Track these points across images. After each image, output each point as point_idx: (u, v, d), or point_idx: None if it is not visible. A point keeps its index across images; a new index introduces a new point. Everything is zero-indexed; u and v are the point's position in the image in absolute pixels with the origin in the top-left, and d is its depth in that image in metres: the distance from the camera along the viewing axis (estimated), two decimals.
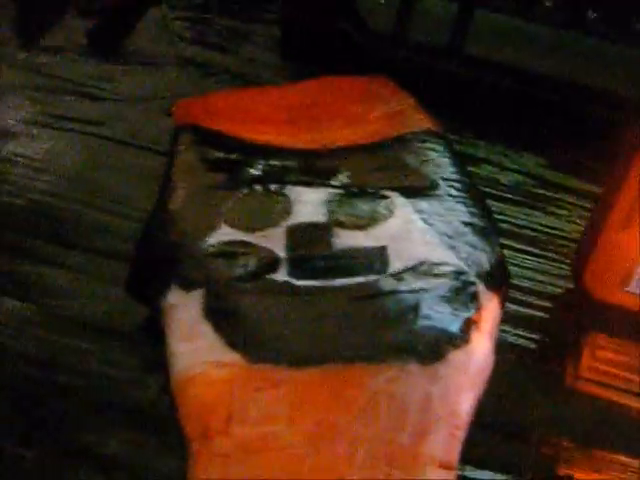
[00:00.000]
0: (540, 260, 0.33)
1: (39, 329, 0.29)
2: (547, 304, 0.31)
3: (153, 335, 0.28)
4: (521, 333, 0.30)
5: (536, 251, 0.34)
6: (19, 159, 0.34)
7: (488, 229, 0.28)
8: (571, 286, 0.32)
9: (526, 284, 0.32)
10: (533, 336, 0.30)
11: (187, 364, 0.24)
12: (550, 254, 0.33)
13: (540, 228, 0.35)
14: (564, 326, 0.31)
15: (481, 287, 0.26)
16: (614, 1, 0.39)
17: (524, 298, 0.31)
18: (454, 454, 0.22)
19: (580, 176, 0.37)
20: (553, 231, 0.34)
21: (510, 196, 0.36)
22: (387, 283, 0.25)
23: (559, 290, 0.32)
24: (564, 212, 0.35)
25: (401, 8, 0.39)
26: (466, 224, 0.28)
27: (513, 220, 0.35)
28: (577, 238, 0.34)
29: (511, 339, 0.30)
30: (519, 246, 0.34)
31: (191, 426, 0.23)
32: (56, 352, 0.28)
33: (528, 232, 0.34)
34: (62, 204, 0.33)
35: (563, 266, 0.33)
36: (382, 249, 0.27)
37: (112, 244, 0.31)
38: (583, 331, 0.31)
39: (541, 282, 0.32)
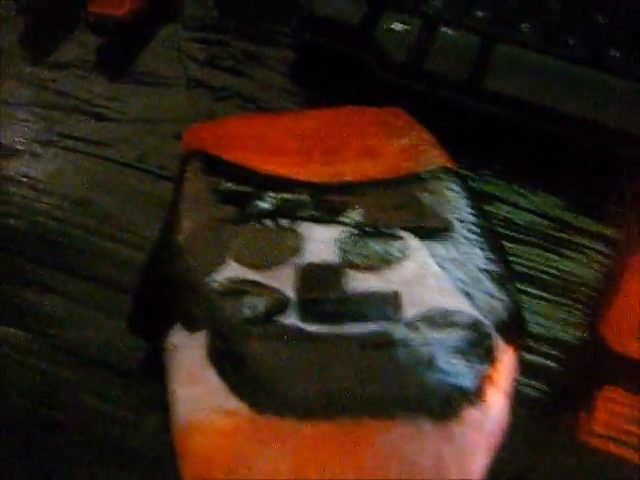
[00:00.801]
0: (553, 306, 0.32)
1: (35, 359, 0.28)
2: (559, 353, 0.30)
3: (152, 372, 0.27)
4: (532, 383, 0.29)
5: (549, 296, 0.33)
6: (22, 179, 0.33)
7: (505, 276, 0.27)
8: (585, 335, 0.31)
9: (537, 330, 0.31)
10: (544, 387, 0.29)
11: (189, 410, 0.23)
12: (564, 300, 0.32)
13: (554, 272, 0.34)
14: (577, 377, 0.30)
15: (497, 339, 0.25)
16: (637, 40, 0.38)
17: (535, 345, 0.30)
18: None
19: (597, 218, 0.36)
20: (567, 276, 0.33)
21: (524, 237, 0.35)
22: (400, 332, 0.24)
23: (572, 339, 0.31)
24: (579, 256, 0.34)
25: (420, 38, 0.39)
26: (482, 270, 0.27)
27: (526, 263, 0.34)
28: (592, 284, 0.33)
29: (521, 389, 0.29)
30: (532, 290, 0.33)
31: (190, 476, 0.22)
32: (51, 385, 0.27)
33: (542, 276, 0.33)
34: (64, 228, 0.32)
35: (576, 312, 0.32)
36: (395, 294, 0.26)
37: (114, 273, 0.30)
38: (597, 384, 0.30)
39: (553, 329, 0.31)
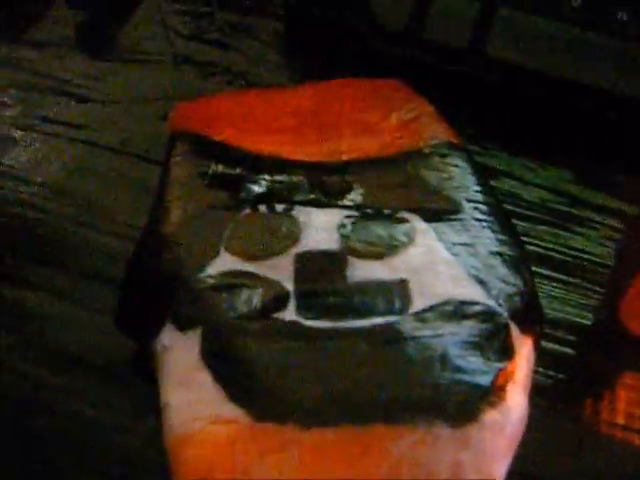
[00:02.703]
0: (566, 287, 0.30)
1: (16, 360, 0.26)
2: (575, 339, 0.29)
3: (144, 373, 0.25)
4: (548, 372, 0.28)
5: (562, 277, 0.31)
6: None
7: (519, 259, 0.26)
8: (602, 318, 0.29)
9: (552, 315, 0.29)
10: (561, 376, 0.28)
11: (183, 419, 0.21)
12: (577, 280, 0.31)
13: (566, 251, 0.32)
14: (595, 364, 0.28)
15: (514, 330, 0.23)
16: None
17: (550, 331, 0.29)
18: None
19: (610, 193, 0.34)
20: (580, 254, 0.32)
21: (533, 214, 0.33)
22: (409, 326, 0.22)
23: (588, 322, 0.29)
24: (593, 233, 0.32)
25: (417, 4, 0.36)
26: (495, 254, 0.25)
27: (537, 242, 0.32)
28: (607, 263, 0.31)
29: (537, 379, 0.27)
30: (542, 271, 0.31)
31: None
32: (34, 389, 0.25)
33: (553, 255, 0.31)
34: (45, 219, 0.30)
35: (592, 294, 0.30)
36: (403, 283, 0.24)
37: (100, 265, 0.28)
38: (617, 371, 0.28)
39: (568, 313, 0.29)
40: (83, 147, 0.32)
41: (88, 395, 0.25)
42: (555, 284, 0.30)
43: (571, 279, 0.31)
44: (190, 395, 0.21)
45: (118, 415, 0.25)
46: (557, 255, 0.31)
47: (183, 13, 0.38)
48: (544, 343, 0.28)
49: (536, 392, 0.26)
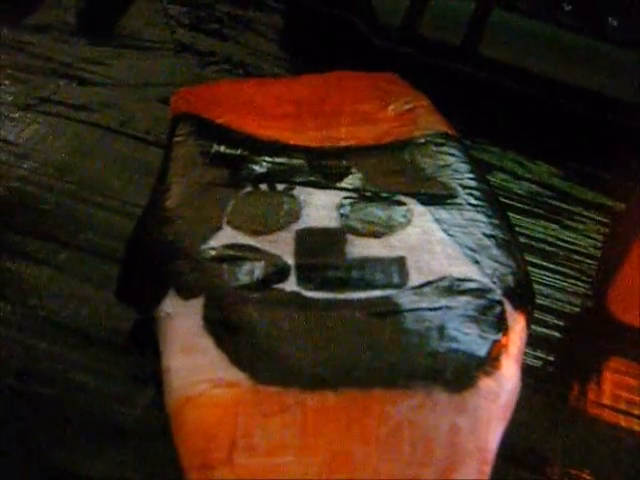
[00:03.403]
0: (556, 276, 0.31)
1: (15, 332, 0.26)
2: (564, 324, 0.29)
3: (143, 344, 0.25)
4: (537, 354, 0.28)
5: (552, 266, 0.32)
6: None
7: (511, 242, 0.26)
8: (589, 305, 0.30)
9: (541, 301, 0.30)
10: (549, 358, 0.28)
11: (185, 382, 0.21)
12: (566, 270, 0.31)
13: (555, 242, 0.33)
14: (582, 348, 0.29)
15: (508, 306, 0.24)
16: (636, 8, 0.37)
17: (540, 316, 0.29)
18: None
19: (596, 188, 0.35)
20: (569, 245, 0.32)
21: (524, 207, 0.34)
22: (407, 299, 0.23)
23: (576, 309, 0.30)
24: (580, 225, 0.33)
25: (414, 2, 0.37)
26: (489, 236, 0.26)
27: (528, 233, 0.33)
28: (594, 254, 0.32)
29: (527, 360, 0.28)
30: (534, 260, 0.31)
31: (189, 454, 0.20)
32: (33, 359, 0.25)
33: (543, 246, 0.32)
34: (45, 195, 0.30)
35: (580, 283, 0.31)
36: (400, 260, 0.24)
37: (100, 241, 0.29)
38: (603, 355, 0.29)
39: (558, 300, 0.30)
40: (84, 127, 0.33)
41: (88, 366, 0.25)
42: (545, 272, 0.31)
43: (560, 268, 0.31)
44: (192, 360, 0.22)
45: (117, 385, 0.25)
46: (546, 246, 0.32)
47: (184, 3, 0.39)
48: (534, 327, 0.29)
49: (526, 373, 0.27)
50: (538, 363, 0.28)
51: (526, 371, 0.27)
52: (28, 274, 0.28)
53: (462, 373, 0.21)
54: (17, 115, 0.33)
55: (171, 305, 0.23)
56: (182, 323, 0.23)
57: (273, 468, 0.20)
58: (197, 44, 0.37)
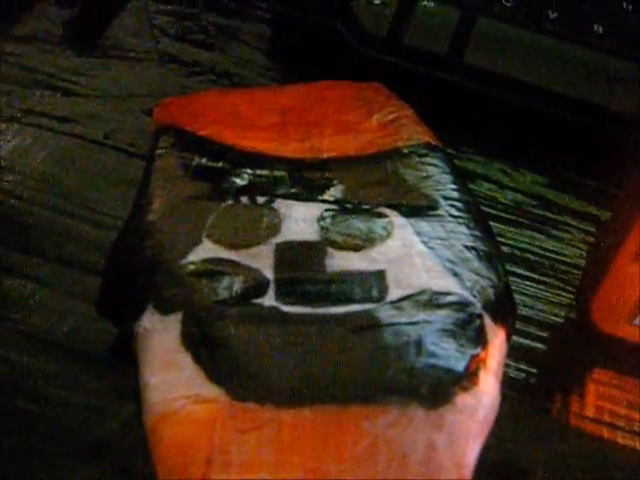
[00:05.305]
0: (540, 287, 0.31)
1: None
2: (547, 335, 0.29)
3: (124, 358, 0.25)
4: (520, 366, 0.28)
5: (535, 276, 0.32)
6: None
7: (493, 254, 0.26)
8: (573, 316, 0.30)
9: (524, 312, 0.30)
10: (532, 370, 0.28)
11: (163, 398, 0.21)
12: (550, 280, 0.31)
13: (539, 252, 0.33)
14: (565, 360, 0.29)
15: (487, 320, 0.24)
16: (623, 18, 0.37)
17: (523, 327, 0.29)
18: None
19: (581, 197, 0.35)
20: (553, 255, 0.32)
21: (509, 216, 0.34)
22: (386, 313, 0.23)
23: (560, 320, 0.30)
24: (565, 235, 0.33)
25: (398, 11, 0.37)
26: (470, 248, 0.26)
27: (512, 243, 0.33)
28: (579, 264, 0.32)
29: (509, 372, 0.28)
30: (518, 271, 0.31)
31: (166, 470, 0.20)
32: (14, 373, 0.25)
33: (527, 255, 0.32)
34: (27, 207, 0.30)
35: (564, 293, 0.31)
36: (380, 274, 0.24)
37: (82, 254, 0.29)
38: (587, 366, 0.29)
39: (541, 310, 0.30)
40: (67, 139, 0.33)
41: (69, 380, 0.25)
42: (529, 283, 0.31)
43: (544, 278, 0.31)
44: (170, 375, 0.22)
45: (98, 400, 0.25)
46: (531, 256, 0.32)
47: (169, 13, 0.39)
48: (517, 338, 0.29)
49: (508, 385, 0.27)
50: (521, 375, 0.28)
51: (508, 383, 0.27)
52: (9, 287, 0.28)
53: (439, 389, 0.21)
54: (1, 127, 0.33)
55: (150, 320, 0.23)
56: (160, 339, 0.23)
57: None
58: (182, 54, 0.37)
